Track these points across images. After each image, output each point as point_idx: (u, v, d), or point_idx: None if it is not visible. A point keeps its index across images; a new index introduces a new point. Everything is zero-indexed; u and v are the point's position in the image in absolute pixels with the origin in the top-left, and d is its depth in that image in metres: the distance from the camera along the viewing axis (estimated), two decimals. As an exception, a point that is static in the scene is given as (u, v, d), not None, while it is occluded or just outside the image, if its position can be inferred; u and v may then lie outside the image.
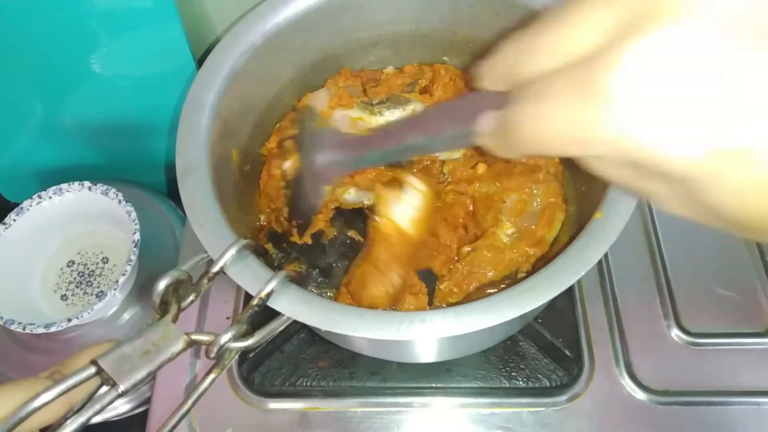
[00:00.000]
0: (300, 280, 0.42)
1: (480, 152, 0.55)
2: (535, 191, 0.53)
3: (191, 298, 0.39)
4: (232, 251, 0.40)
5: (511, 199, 0.53)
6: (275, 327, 0.39)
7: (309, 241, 0.58)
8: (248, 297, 0.41)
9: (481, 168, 0.56)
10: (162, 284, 0.37)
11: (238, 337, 0.37)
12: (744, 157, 0.19)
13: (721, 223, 0.23)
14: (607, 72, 0.20)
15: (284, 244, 0.58)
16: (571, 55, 0.22)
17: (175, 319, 0.37)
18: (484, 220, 0.54)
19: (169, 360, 0.35)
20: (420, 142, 0.39)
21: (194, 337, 0.36)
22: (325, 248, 0.59)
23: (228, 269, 0.40)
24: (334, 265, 0.58)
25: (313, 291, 0.56)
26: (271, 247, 0.58)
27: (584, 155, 0.23)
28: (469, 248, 0.53)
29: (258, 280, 0.40)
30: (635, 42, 0.20)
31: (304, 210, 0.54)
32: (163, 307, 0.37)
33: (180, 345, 0.35)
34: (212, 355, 0.36)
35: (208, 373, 0.37)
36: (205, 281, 0.40)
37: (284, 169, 0.54)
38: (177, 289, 0.38)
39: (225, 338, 0.36)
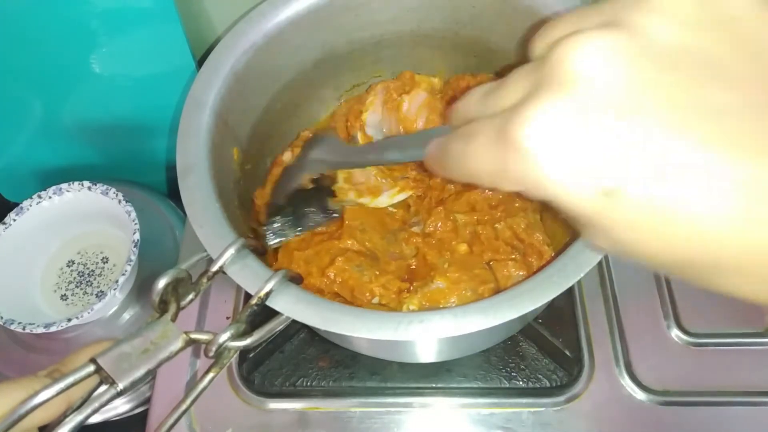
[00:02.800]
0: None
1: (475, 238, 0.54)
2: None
3: (191, 297, 0.39)
4: (232, 250, 0.40)
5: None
6: (274, 326, 0.39)
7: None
8: (248, 296, 0.41)
9: (463, 248, 0.54)
10: (161, 283, 0.37)
11: (236, 337, 0.37)
12: (619, 197, 0.24)
13: (646, 263, 0.26)
14: (515, 125, 0.25)
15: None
16: (503, 107, 0.28)
17: (174, 318, 0.37)
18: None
19: (168, 359, 0.35)
20: (392, 158, 0.49)
21: (193, 335, 0.36)
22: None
23: (227, 268, 0.40)
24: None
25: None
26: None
27: (506, 189, 0.28)
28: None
29: (257, 280, 0.40)
30: (534, 105, 0.25)
31: (281, 190, 0.59)
32: (163, 306, 0.37)
33: (179, 344, 0.35)
34: (211, 354, 0.36)
35: (207, 372, 0.37)
36: (204, 280, 0.40)
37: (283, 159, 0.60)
38: (176, 287, 0.38)
39: (223, 337, 0.36)
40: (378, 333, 0.39)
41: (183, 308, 0.38)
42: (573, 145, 0.24)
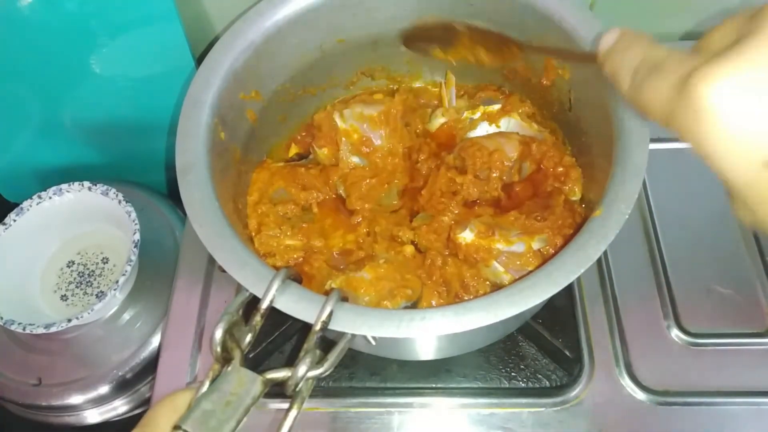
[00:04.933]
0: None
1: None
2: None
3: (249, 338, 0.38)
4: (276, 284, 0.39)
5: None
6: (345, 346, 0.38)
7: None
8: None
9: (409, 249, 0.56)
10: (218, 333, 0.36)
11: (314, 365, 0.36)
12: None
13: None
14: (700, 80, 0.25)
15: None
16: (705, 50, 0.28)
17: (242, 363, 0.36)
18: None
19: (253, 404, 0.34)
20: None
21: (270, 375, 0.35)
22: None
23: (277, 302, 0.40)
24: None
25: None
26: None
27: (662, 124, 0.29)
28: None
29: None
30: (725, 63, 0.25)
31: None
32: (226, 355, 0.36)
33: (258, 387, 0.34)
34: (293, 390, 0.35)
35: (288, 410, 0.35)
36: (258, 319, 0.39)
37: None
38: (233, 333, 0.37)
39: (302, 369, 0.35)
40: (380, 331, 0.39)
41: (245, 351, 0.37)
42: (749, 112, 0.24)
